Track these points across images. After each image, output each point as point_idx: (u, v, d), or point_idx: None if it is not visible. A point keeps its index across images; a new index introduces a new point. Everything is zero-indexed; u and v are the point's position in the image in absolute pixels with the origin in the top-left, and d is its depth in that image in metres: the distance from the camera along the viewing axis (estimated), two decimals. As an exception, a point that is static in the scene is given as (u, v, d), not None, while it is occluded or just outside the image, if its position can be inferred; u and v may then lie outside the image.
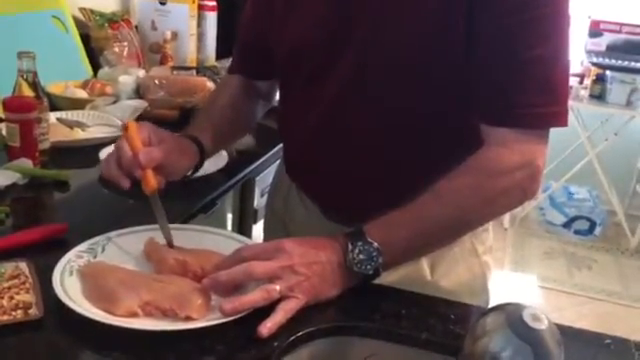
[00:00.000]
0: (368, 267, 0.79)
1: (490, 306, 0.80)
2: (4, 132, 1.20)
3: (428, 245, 0.89)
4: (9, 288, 0.76)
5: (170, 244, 0.86)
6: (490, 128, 0.85)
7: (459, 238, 0.96)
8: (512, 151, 0.83)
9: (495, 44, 0.81)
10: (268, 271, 0.75)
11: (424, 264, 0.96)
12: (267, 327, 0.71)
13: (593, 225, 3.59)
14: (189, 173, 0.99)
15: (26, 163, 1.15)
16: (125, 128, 0.87)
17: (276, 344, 0.71)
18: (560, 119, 0.84)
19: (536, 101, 0.82)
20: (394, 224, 0.82)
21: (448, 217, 0.84)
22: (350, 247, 0.79)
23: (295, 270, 0.75)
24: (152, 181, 0.85)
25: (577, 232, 3.61)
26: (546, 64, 0.82)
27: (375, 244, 0.79)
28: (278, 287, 0.74)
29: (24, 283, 0.77)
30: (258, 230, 1.48)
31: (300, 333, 0.74)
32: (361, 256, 0.79)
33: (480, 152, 0.85)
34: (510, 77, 0.82)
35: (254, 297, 0.73)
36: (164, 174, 0.89)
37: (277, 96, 1.12)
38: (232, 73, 1.14)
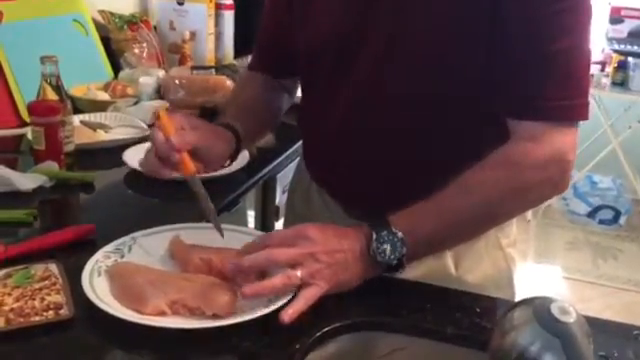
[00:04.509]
0: (392, 257, 0.79)
1: (516, 299, 0.80)
2: (30, 136, 1.22)
3: (453, 237, 0.88)
4: (40, 289, 0.77)
5: (218, 228, 0.85)
6: (518, 122, 0.84)
7: (485, 232, 0.94)
8: (542, 145, 0.82)
9: (520, 37, 0.81)
10: (290, 257, 0.76)
11: (448, 259, 0.95)
12: (288, 314, 0.72)
13: (618, 214, 3.54)
14: (227, 163, 0.97)
15: (52, 166, 1.17)
16: (157, 117, 0.86)
17: (303, 340, 0.72)
18: (584, 111, 0.83)
19: (563, 94, 0.81)
20: (420, 215, 0.81)
21: (475, 210, 0.83)
22: (374, 236, 0.78)
23: (317, 257, 0.76)
24: (190, 164, 0.83)
25: (601, 222, 3.56)
26: (571, 56, 0.81)
27: (400, 234, 0.79)
28: (299, 273, 0.74)
29: (54, 284, 0.78)
30: (280, 227, 1.49)
31: (326, 329, 0.74)
32: (385, 246, 0.78)
33: (508, 146, 0.84)
34: (537, 70, 0.81)
35: (275, 281, 0.74)
36: (202, 160, 0.87)
37: (299, 93, 1.12)
38: (252, 70, 1.13)
